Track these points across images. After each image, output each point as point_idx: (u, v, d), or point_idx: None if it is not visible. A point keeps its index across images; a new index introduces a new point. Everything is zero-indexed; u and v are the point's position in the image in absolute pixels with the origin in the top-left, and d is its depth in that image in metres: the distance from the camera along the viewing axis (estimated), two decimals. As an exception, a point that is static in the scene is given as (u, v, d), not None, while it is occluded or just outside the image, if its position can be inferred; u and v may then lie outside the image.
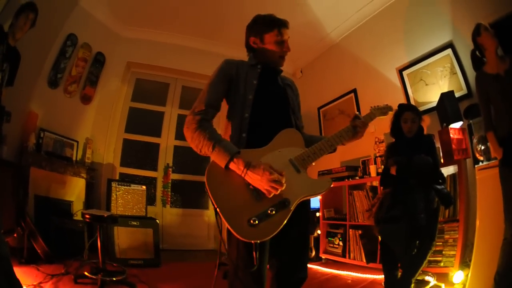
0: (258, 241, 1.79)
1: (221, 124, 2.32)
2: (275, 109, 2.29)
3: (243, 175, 1.87)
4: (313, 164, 2.11)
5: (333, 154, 2.41)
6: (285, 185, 1.83)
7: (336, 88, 7.71)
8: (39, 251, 4.62)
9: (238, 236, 1.74)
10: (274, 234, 1.77)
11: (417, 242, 3.70)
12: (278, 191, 1.83)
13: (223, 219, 1.79)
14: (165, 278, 4.82)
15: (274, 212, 1.80)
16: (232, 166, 1.90)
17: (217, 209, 1.82)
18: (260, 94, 2.24)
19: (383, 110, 2.71)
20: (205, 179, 1.91)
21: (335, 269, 5.68)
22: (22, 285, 2.86)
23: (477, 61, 3.69)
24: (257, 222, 1.76)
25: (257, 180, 1.83)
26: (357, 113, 2.51)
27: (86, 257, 4.99)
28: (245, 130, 2.14)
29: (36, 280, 3.82)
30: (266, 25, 2.37)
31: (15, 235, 4.57)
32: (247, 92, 2.22)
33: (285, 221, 1.81)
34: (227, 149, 1.91)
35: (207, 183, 1.91)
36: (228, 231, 1.81)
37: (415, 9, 5.85)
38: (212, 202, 1.85)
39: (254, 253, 1.81)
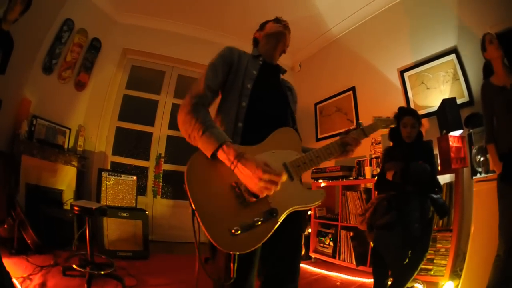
0: (238, 253, 1.60)
1: (215, 114, 2.13)
2: (274, 102, 2.18)
3: (232, 167, 1.66)
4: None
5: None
6: (279, 187, 1.64)
7: (335, 84, 7.65)
8: (28, 241, 4.60)
9: (217, 246, 1.55)
10: (257, 246, 1.61)
11: (410, 252, 3.64)
12: (272, 192, 1.64)
13: (201, 224, 1.59)
14: (153, 271, 4.82)
15: (259, 222, 1.63)
16: (220, 155, 1.69)
17: (196, 212, 1.61)
18: (259, 85, 2.12)
19: (386, 122, 2.43)
20: (185, 174, 1.69)
21: (324, 270, 5.66)
22: (12, 277, 2.84)
23: (488, 72, 3.63)
24: (239, 232, 1.58)
25: (248, 176, 1.62)
26: (361, 122, 2.28)
27: (75, 248, 4.97)
28: (241, 120, 1.97)
29: (26, 272, 3.86)
30: (267, 20, 2.50)
31: (5, 225, 4.54)
32: (245, 81, 2.10)
33: (270, 234, 1.63)
34: (218, 136, 1.72)
35: (186, 179, 1.68)
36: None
37: (420, 11, 5.79)
38: (190, 203, 1.63)
39: (231, 264, 1.64)
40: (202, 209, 1.62)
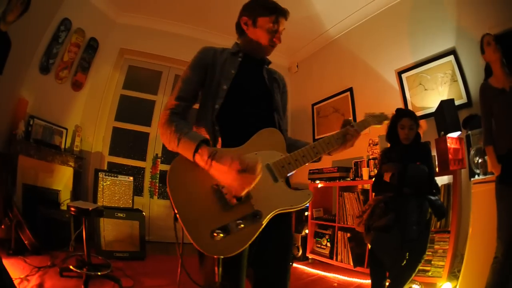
0: (222, 257, 1.56)
1: (196, 115, 2.11)
2: (254, 103, 2.07)
3: (207, 167, 1.63)
4: (293, 172, 1.88)
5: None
6: (257, 179, 1.59)
7: (332, 85, 7.65)
8: (25, 242, 4.59)
9: (199, 249, 1.53)
10: (241, 250, 1.56)
11: (407, 253, 3.65)
12: (252, 185, 1.58)
13: (183, 227, 1.56)
14: (150, 272, 4.83)
15: (242, 225, 1.58)
16: (197, 159, 1.66)
17: (177, 215, 1.59)
18: (236, 85, 2.03)
19: (379, 118, 2.39)
20: (167, 178, 1.69)
21: (321, 271, 5.67)
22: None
23: (490, 73, 3.63)
24: (221, 235, 1.53)
25: (224, 172, 1.58)
26: (350, 118, 2.22)
27: (72, 249, 4.98)
28: (218, 123, 1.92)
29: (23, 273, 3.88)
30: (264, 8, 2.15)
31: (2, 226, 4.55)
32: (221, 82, 2.01)
33: (254, 237, 1.59)
34: (192, 140, 1.70)
35: (168, 183, 1.68)
36: None
37: (419, 12, 5.78)
38: (172, 206, 1.62)
39: (216, 268, 1.60)
40: (184, 213, 1.61)
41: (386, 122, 2.42)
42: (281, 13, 2.16)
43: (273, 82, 2.27)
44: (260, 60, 2.28)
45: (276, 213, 1.69)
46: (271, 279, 1.94)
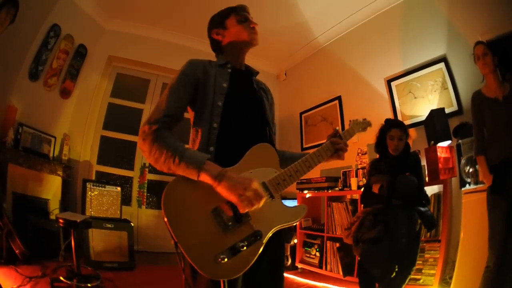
0: (226, 279, 1.59)
1: (191, 135, 2.01)
2: (248, 118, 2.03)
3: (215, 185, 1.61)
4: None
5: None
6: (262, 202, 1.64)
7: (320, 94, 7.65)
8: (16, 251, 4.58)
9: (205, 275, 1.53)
10: (245, 270, 1.58)
11: (397, 266, 3.64)
12: (254, 208, 1.61)
13: (186, 256, 1.53)
14: (140, 283, 4.82)
15: (245, 247, 1.60)
16: (203, 178, 1.63)
17: (178, 244, 1.55)
18: (230, 100, 1.97)
19: (362, 125, 2.46)
20: (162, 205, 1.60)
21: (311, 280, 5.66)
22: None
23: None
24: (226, 259, 1.55)
25: (232, 189, 1.58)
26: (337, 128, 2.26)
27: (62, 259, 4.96)
28: (213, 143, 1.87)
29: (15, 282, 3.90)
30: (224, 13, 2.26)
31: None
32: (216, 98, 1.94)
33: (257, 256, 1.61)
34: (195, 159, 1.65)
35: (164, 210, 1.59)
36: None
37: (409, 19, 5.78)
38: (172, 236, 1.57)
39: None
40: (185, 241, 1.58)
41: (370, 128, 2.50)
42: (239, 7, 2.24)
43: (261, 92, 2.25)
44: (248, 71, 2.28)
45: (274, 231, 1.71)
46: None
